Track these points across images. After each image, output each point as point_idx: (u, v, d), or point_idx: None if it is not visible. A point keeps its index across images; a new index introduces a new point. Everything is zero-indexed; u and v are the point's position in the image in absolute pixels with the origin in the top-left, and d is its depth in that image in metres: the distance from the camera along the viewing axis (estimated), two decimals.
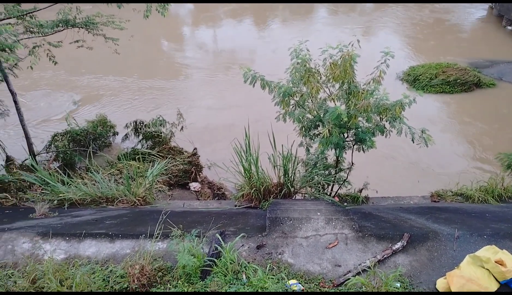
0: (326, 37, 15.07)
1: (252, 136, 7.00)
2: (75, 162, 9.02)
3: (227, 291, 4.01)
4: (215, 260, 4.51)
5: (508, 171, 7.29)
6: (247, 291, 4.10)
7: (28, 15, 7.61)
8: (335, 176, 7.24)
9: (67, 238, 4.99)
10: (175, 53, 17.64)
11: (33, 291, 4.11)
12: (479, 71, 13.69)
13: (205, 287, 4.23)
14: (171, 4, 7.83)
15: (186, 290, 4.11)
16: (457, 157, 10.13)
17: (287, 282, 4.32)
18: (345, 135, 6.66)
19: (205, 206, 7.33)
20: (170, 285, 4.28)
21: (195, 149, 9.47)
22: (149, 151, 9.06)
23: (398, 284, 4.23)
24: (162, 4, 7.30)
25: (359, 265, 4.47)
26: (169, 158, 8.77)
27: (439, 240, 4.77)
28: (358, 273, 4.40)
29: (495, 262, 4.16)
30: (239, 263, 4.48)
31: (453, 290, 4.10)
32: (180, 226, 4.86)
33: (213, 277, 4.38)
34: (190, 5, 23.18)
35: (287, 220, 5.13)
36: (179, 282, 4.29)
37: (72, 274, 4.21)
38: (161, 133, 9.54)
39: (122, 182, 7.69)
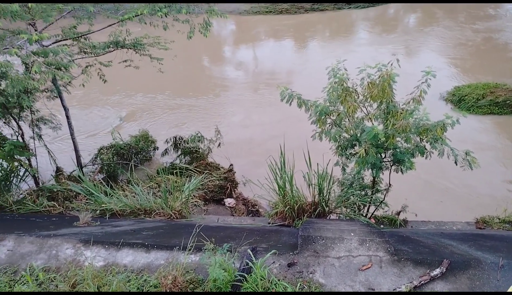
0: (365, 57, 14.90)
1: (287, 154, 7.03)
2: (118, 174, 9.47)
3: None
4: (246, 275, 4.52)
5: None
6: None
7: (82, 37, 8.23)
8: (372, 197, 7.06)
9: (107, 246, 5.22)
10: (215, 72, 18.20)
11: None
12: None
13: None
14: (213, 25, 8.16)
15: None
16: (504, 183, 9.52)
17: None
18: (383, 155, 6.51)
19: (238, 222, 7.39)
20: None
21: (231, 165, 9.63)
22: (187, 165, 9.33)
23: None
24: (205, 25, 7.62)
25: (394, 290, 4.30)
26: (205, 173, 8.97)
27: (481, 268, 4.49)
28: None
29: None
30: (269, 280, 4.46)
31: None
32: (213, 239, 4.94)
33: (243, 292, 4.38)
34: (232, 26, 23.93)
35: (319, 239, 5.06)
36: None
37: (109, 281, 4.38)
38: (199, 149, 9.81)
39: (160, 195, 7.95)
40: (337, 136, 6.58)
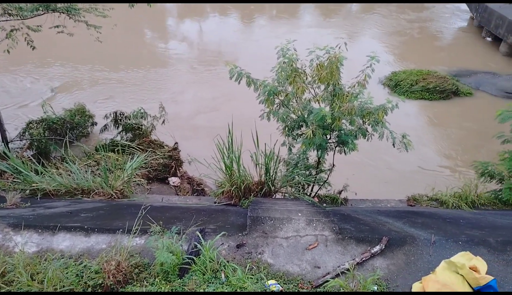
0: (308, 39, 15.11)
1: (235, 134, 6.94)
2: (50, 151, 8.73)
3: (205, 290, 3.95)
4: (194, 258, 4.44)
5: (481, 178, 7.51)
6: (226, 290, 4.05)
7: None
8: (316, 177, 7.28)
9: (40, 231, 4.81)
10: (158, 45, 17.34)
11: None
12: (457, 80, 14.08)
13: (183, 285, 4.16)
14: None
15: (163, 288, 4.02)
16: (432, 164, 10.38)
17: (266, 282, 4.30)
18: (328, 137, 6.71)
19: (184, 201, 7.23)
20: (147, 282, 4.19)
21: (176, 143, 9.34)
22: (129, 143, 8.85)
23: (375, 287, 4.29)
24: None
25: (338, 267, 4.50)
26: (149, 151, 8.60)
27: (416, 244, 4.86)
28: (337, 275, 4.43)
29: (470, 268, 4.27)
30: (218, 262, 4.43)
31: None
32: (160, 222, 4.76)
33: (191, 275, 4.31)
34: None
35: (268, 220, 5.12)
36: (156, 279, 4.20)
37: (44, 269, 4.05)
38: (141, 126, 9.34)
39: (99, 174, 7.49)
40: (284, 116, 6.63)
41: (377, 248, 4.72)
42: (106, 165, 7.27)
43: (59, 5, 7.68)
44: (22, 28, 7.78)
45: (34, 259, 4.22)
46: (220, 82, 13.32)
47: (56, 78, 13.38)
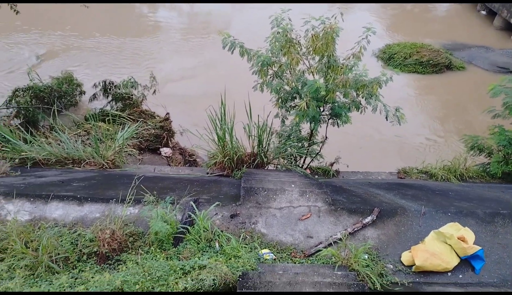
0: (303, 9, 14.78)
1: (228, 105, 6.86)
2: (38, 120, 8.52)
3: (200, 258, 4.01)
4: (188, 227, 4.48)
5: (471, 152, 7.64)
6: (220, 259, 4.11)
7: None
8: (308, 149, 7.31)
9: (32, 199, 4.76)
10: (147, 12, 16.75)
11: None
12: (451, 54, 14.03)
13: (177, 253, 4.21)
14: None
15: (158, 256, 4.07)
16: (423, 137, 10.49)
17: (259, 251, 4.38)
18: (322, 109, 6.68)
19: (176, 172, 7.22)
20: (142, 250, 4.22)
21: (167, 113, 9.22)
22: (119, 113, 8.70)
23: (366, 256, 4.41)
24: None
25: (330, 237, 4.61)
26: (140, 122, 8.48)
27: (406, 215, 4.98)
28: (329, 245, 4.53)
29: (458, 238, 4.41)
30: (212, 231, 4.48)
31: (417, 263, 4.33)
32: (154, 192, 4.75)
33: (185, 244, 4.37)
34: None
35: (261, 191, 5.15)
36: (151, 248, 4.24)
37: (38, 237, 4.04)
38: (132, 95, 9.15)
39: (90, 144, 7.39)
40: (278, 88, 6.56)
41: (368, 219, 4.81)
42: (97, 135, 7.16)
43: None
44: None
45: (27, 227, 4.20)
46: (214, 52, 13.01)
47: (42, 45, 12.91)
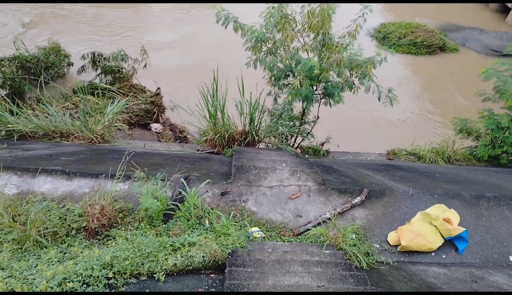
0: None
1: (220, 81, 6.76)
2: (25, 91, 8.29)
3: (190, 235, 4.03)
4: (179, 204, 4.48)
5: (459, 135, 7.72)
6: (209, 236, 4.14)
7: None
8: (300, 128, 7.30)
9: (19, 173, 4.69)
10: None
11: None
12: (445, 35, 13.95)
13: (167, 230, 4.23)
14: None
15: (148, 233, 4.08)
16: (414, 118, 10.54)
17: (249, 229, 4.42)
18: (315, 88, 6.63)
19: (166, 148, 7.17)
20: (132, 226, 4.23)
21: (158, 88, 9.06)
22: (109, 86, 8.50)
23: (354, 236, 4.49)
24: None
25: (319, 216, 4.66)
26: (130, 96, 8.33)
27: (394, 196, 5.05)
28: (318, 224, 4.59)
29: (443, 219, 4.50)
30: (202, 209, 4.50)
31: (402, 243, 4.42)
32: (145, 169, 4.71)
33: (175, 221, 4.38)
34: None
35: (252, 169, 5.15)
36: (141, 224, 4.24)
37: (26, 211, 4.01)
38: (122, 68, 8.93)
39: (78, 117, 7.25)
40: (271, 65, 6.47)
41: (357, 199, 4.87)
42: (86, 109, 7.02)
43: None
44: None
45: (14, 201, 4.15)
46: (205, 26, 12.71)
47: (27, 13, 12.44)
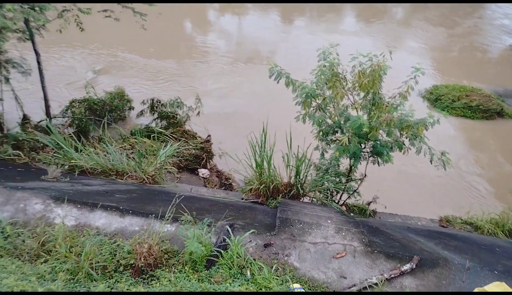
0: (349, 43, 14.86)
1: (269, 133, 6.96)
2: (89, 130, 9.05)
3: (231, 284, 4.01)
4: (222, 251, 4.51)
5: None
6: (251, 286, 4.09)
7: None
8: (346, 185, 7.20)
9: (79, 206, 5.01)
10: (197, 37, 17.55)
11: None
12: (503, 100, 13.43)
13: (209, 276, 4.23)
14: None
15: (191, 277, 4.11)
16: (469, 186, 9.98)
17: (291, 285, 4.31)
18: (363, 145, 6.61)
19: (212, 194, 7.33)
20: (176, 269, 4.29)
21: (209, 135, 9.47)
22: (163, 130, 9.05)
23: None
24: None
25: (365, 280, 4.45)
26: (182, 141, 8.77)
27: (448, 268, 4.72)
28: (364, 288, 4.38)
29: None
30: (245, 259, 4.48)
31: None
32: (193, 213, 4.85)
33: (218, 268, 4.38)
34: None
35: (297, 223, 5.11)
36: (184, 267, 4.30)
37: (82, 243, 4.22)
38: (177, 115, 9.52)
39: (133, 158, 7.70)
40: (320, 121, 6.58)
41: (407, 266, 4.61)
42: (141, 150, 7.47)
43: None
44: (73, 9, 8.09)
45: (72, 232, 4.41)
46: (258, 79, 13.31)
47: (99, 61, 13.82)
